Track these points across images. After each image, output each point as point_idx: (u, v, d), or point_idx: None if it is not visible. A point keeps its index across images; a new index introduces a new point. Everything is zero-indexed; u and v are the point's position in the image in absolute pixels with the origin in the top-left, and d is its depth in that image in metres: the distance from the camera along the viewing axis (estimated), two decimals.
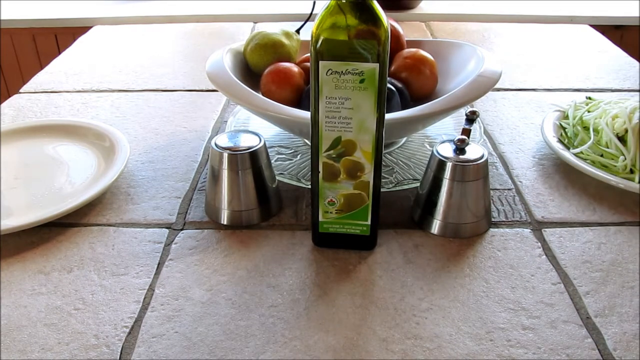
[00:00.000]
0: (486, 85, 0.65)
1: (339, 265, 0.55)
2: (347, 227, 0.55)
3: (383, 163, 0.58)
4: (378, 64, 0.47)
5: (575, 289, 0.53)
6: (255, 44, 0.75)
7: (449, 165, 0.57)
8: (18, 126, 0.79)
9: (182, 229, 0.61)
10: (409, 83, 0.71)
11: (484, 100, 0.91)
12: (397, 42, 0.75)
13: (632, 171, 0.66)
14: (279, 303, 0.51)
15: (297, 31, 0.79)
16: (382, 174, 0.62)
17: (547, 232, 0.60)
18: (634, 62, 1.08)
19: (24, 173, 0.70)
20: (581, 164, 0.67)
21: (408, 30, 1.25)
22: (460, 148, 0.57)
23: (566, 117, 0.77)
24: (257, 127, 0.75)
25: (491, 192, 0.66)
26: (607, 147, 0.68)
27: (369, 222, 0.55)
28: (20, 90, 0.97)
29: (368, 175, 0.52)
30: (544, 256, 0.57)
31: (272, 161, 0.67)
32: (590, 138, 0.70)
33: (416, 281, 0.53)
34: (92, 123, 0.79)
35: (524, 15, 1.36)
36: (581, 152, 0.69)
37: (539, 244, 0.58)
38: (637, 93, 0.93)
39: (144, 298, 0.52)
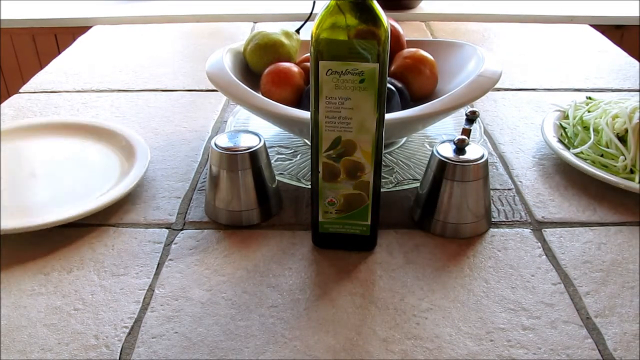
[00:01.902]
0: (486, 85, 0.65)
1: (339, 265, 0.55)
2: (347, 227, 0.55)
3: (383, 163, 0.58)
4: (378, 64, 0.47)
5: (576, 289, 0.52)
6: (255, 44, 0.75)
7: (449, 165, 0.57)
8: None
9: (182, 229, 0.61)
10: (409, 83, 0.71)
11: (484, 100, 0.91)
12: (397, 42, 0.75)
13: (632, 171, 0.66)
14: (279, 303, 0.51)
15: (297, 31, 0.79)
16: (382, 174, 0.62)
17: (547, 232, 0.60)
18: (634, 62, 1.08)
19: (45, 169, 0.69)
20: (581, 164, 0.67)
21: (408, 30, 1.25)
22: (460, 148, 0.57)
23: (566, 117, 0.77)
24: (257, 127, 0.75)
25: (491, 192, 0.66)
26: (607, 147, 0.68)
27: (369, 222, 0.55)
28: (20, 90, 0.97)
29: (368, 175, 0.52)
30: (544, 256, 0.57)
31: (272, 161, 0.67)
32: (590, 138, 0.70)
33: (416, 281, 0.53)
34: (118, 127, 0.77)
35: (524, 15, 1.36)
36: (581, 152, 0.69)
37: (539, 244, 0.58)
38: (637, 93, 0.93)
39: (144, 298, 0.52)
